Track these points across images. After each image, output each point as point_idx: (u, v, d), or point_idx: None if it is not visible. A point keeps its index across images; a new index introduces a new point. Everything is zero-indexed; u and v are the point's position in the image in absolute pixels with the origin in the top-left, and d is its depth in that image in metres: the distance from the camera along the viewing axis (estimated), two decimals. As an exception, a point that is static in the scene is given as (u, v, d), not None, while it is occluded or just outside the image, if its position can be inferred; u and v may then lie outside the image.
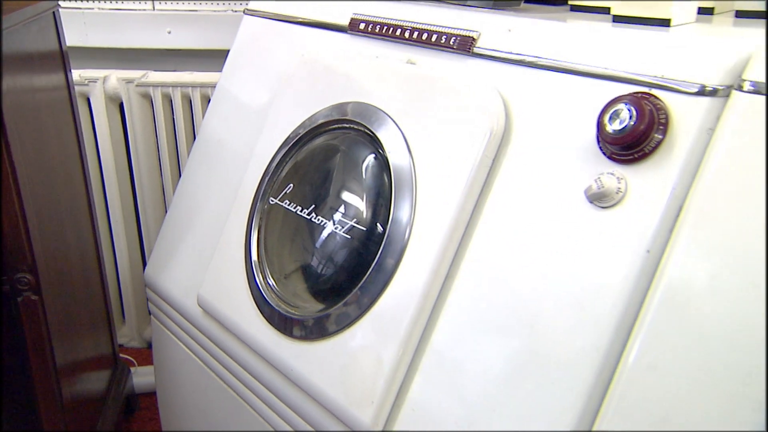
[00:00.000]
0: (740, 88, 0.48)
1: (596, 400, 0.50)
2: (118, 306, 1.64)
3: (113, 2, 1.49)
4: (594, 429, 0.49)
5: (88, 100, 1.48)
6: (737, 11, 0.63)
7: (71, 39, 1.41)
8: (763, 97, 0.47)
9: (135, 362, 1.54)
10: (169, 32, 1.50)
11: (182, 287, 0.88)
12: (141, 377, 1.47)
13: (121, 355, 1.40)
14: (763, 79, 0.47)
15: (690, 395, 0.46)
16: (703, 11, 0.65)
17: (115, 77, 1.46)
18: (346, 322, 0.65)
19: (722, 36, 0.58)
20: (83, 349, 1.25)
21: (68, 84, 1.19)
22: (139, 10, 1.49)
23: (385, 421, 0.61)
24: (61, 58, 1.16)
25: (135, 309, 1.63)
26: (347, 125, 0.74)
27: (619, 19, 0.61)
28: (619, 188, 0.53)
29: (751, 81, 0.48)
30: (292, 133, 0.78)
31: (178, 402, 0.98)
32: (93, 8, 1.49)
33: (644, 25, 0.60)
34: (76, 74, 1.42)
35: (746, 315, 0.45)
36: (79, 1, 1.48)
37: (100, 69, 1.48)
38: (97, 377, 1.32)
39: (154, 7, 1.50)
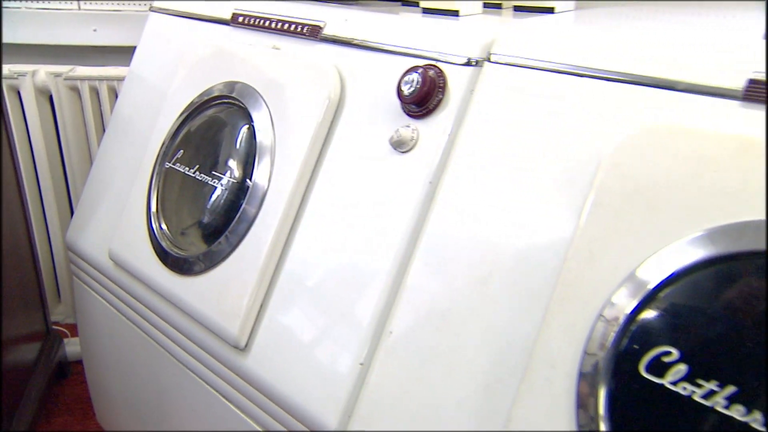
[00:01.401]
0: (489, 60, 0.66)
1: (395, 290, 0.67)
2: (54, 286, 1.75)
3: (40, 2, 1.60)
4: (393, 309, 0.66)
5: (19, 93, 1.60)
6: (515, 6, 0.81)
7: (1, 36, 1.52)
8: (501, 66, 0.64)
9: (68, 333, 1.66)
10: (95, 30, 1.62)
11: (97, 246, 1.02)
12: (74, 347, 1.60)
13: (54, 327, 1.51)
14: (502, 53, 0.65)
15: (452, 285, 0.63)
16: (492, 5, 0.83)
17: (43, 71, 1.58)
18: (221, 257, 0.80)
19: (489, 24, 0.76)
20: (15, 326, 1.37)
21: (-5, 76, 1.31)
22: (66, 9, 1.61)
23: (250, 332, 0.77)
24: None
25: (70, 288, 1.75)
26: (228, 100, 0.89)
27: (426, 11, 0.78)
28: (413, 137, 0.69)
29: (494, 54, 0.65)
30: (187, 105, 0.93)
31: (99, 351, 1.12)
32: (20, 8, 1.60)
33: (442, 15, 0.77)
34: (6, 68, 1.53)
35: (491, 223, 0.62)
36: (7, 0, 1.60)
37: (30, 64, 1.60)
38: (28, 348, 1.44)
39: (79, 7, 1.62)
